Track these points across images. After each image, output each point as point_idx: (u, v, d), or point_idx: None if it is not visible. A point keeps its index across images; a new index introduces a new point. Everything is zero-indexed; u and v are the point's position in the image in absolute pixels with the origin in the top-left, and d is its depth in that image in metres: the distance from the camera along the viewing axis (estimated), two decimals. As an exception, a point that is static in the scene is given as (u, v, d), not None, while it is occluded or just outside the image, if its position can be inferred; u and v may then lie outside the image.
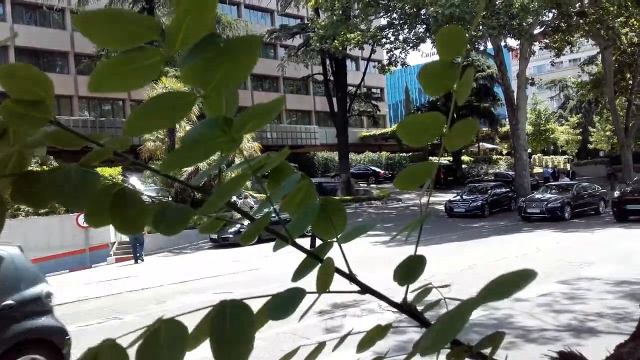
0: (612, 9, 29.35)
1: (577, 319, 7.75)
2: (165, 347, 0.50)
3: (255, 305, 0.60)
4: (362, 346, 0.66)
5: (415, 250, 0.70)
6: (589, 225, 20.81)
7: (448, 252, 15.37)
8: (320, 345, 0.69)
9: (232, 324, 0.51)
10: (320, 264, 0.65)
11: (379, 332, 0.65)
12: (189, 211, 0.61)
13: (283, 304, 0.59)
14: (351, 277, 0.67)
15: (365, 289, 0.68)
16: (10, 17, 40.11)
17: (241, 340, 0.51)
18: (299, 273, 0.66)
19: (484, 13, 24.12)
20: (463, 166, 48.59)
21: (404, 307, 0.67)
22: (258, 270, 15.17)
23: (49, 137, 0.58)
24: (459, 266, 12.66)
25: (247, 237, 0.64)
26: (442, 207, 28.10)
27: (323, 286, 0.65)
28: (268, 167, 0.66)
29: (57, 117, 0.59)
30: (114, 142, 0.61)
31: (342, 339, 0.72)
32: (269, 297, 0.60)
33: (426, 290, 0.73)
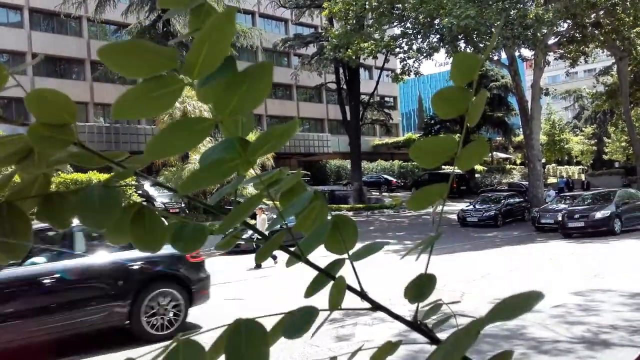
0: (627, 19, 29.18)
1: (590, 331, 7.67)
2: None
3: (267, 320, 0.61)
4: (374, 362, 0.67)
5: (426, 269, 0.71)
6: (603, 236, 20.60)
7: (460, 262, 15.30)
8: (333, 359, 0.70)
9: (246, 343, 0.53)
10: (332, 282, 0.67)
11: (389, 348, 0.67)
12: (206, 229, 0.63)
13: (297, 323, 0.60)
14: (363, 295, 0.69)
15: (376, 307, 0.69)
16: (28, 24, 40.68)
17: (255, 359, 0.52)
18: (312, 290, 0.68)
19: (497, 23, 24.09)
20: (476, 175, 48.40)
21: (415, 325, 0.68)
22: (268, 277, 15.18)
23: (72, 157, 0.60)
24: (471, 276, 12.59)
25: (261, 256, 0.66)
26: (454, 217, 27.98)
27: (335, 303, 0.66)
28: (283, 187, 0.68)
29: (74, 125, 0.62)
30: (134, 161, 0.63)
31: (354, 353, 0.73)
32: (282, 315, 0.62)
33: (436, 306, 0.74)
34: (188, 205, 25.90)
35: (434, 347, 0.65)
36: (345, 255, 0.72)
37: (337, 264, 0.70)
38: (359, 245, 0.77)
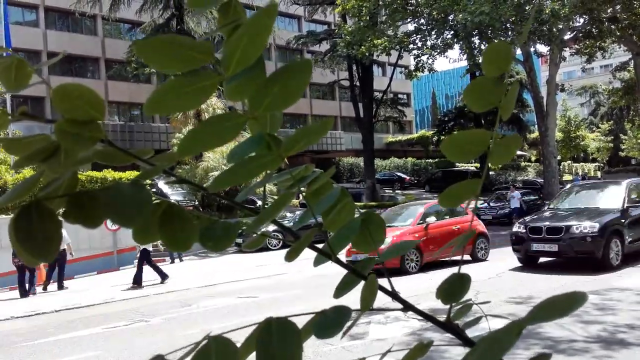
0: (644, 14, 28.83)
1: (607, 330, 7.58)
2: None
3: (296, 320, 0.60)
4: (405, 365, 0.66)
5: (460, 269, 0.69)
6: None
7: (474, 260, 15.22)
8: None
9: (278, 342, 0.52)
10: (363, 281, 0.66)
11: (421, 348, 0.65)
12: (235, 228, 0.62)
13: (329, 323, 0.59)
14: (394, 295, 0.67)
15: (408, 307, 0.68)
16: (43, 23, 41.03)
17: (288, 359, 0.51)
18: (341, 289, 0.67)
19: (512, 18, 23.89)
20: (490, 173, 48.11)
21: (448, 326, 0.66)
22: (282, 275, 15.21)
23: (98, 154, 0.59)
24: (486, 274, 12.51)
25: (292, 254, 0.64)
26: (468, 214, 27.81)
27: (367, 303, 0.65)
28: (316, 184, 0.66)
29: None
30: (161, 159, 0.62)
31: (384, 355, 0.72)
32: (313, 314, 0.61)
33: (466, 306, 0.73)
34: (202, 202, 26.00)
35: (460, 349, 0.64)
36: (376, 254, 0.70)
37: (367, 263, 0.68)
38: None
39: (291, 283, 13.45)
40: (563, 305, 0.51)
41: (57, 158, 0.58)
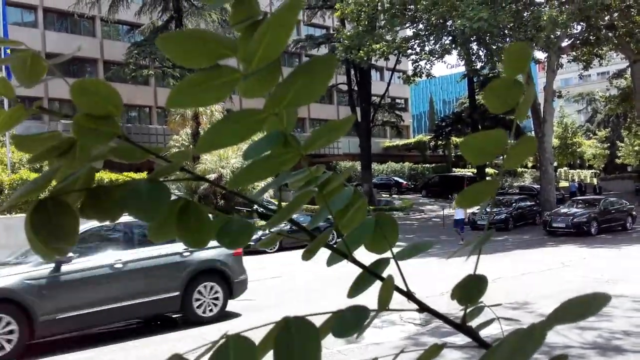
0: (642, 22, 28.98)
1: (602, 337, 7.60)
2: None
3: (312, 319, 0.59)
4: (420, 366, 0.65)
5: (475, 270, 0.69)
6: (615, 241, 20.44)
7: (470, 266, 15.18)
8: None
9: (298, 342, 0.51)
10: (378, 281, 0.65)
11: (435, 350, 0.65)
12: (253, 225, 0.61)
13: (348, 322, 0.58)
14: (409, 295, 0.67)
15: (423, 308, 0.67)
16: (42, 24, 40.98)
17: (307, 357, 0.50)
18: (355, 289, 0.66)
19: (510, 25, 23.96)
20: (487, 178, 48.09)
21: (464, 328, 0.66)
22: (280, 277, 15.18)
23: (113, 151, 0.59)
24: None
25: (308, 253, 0.64)
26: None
27: (384, 303, 0.64)
28: (332, 184, 0.66)
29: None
30: (177, 156, 0.62)
31: (396, 355, 0.71)
32: (329, 314, 0.60)
33: (478, 309, 0.72)
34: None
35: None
36: (389, 254, 0.69)
37: (382, 263, 0.68)
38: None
39: (289, 286, 13.42)
40: (586, 306, 0.50)
41: (73, 153, 0.57)
